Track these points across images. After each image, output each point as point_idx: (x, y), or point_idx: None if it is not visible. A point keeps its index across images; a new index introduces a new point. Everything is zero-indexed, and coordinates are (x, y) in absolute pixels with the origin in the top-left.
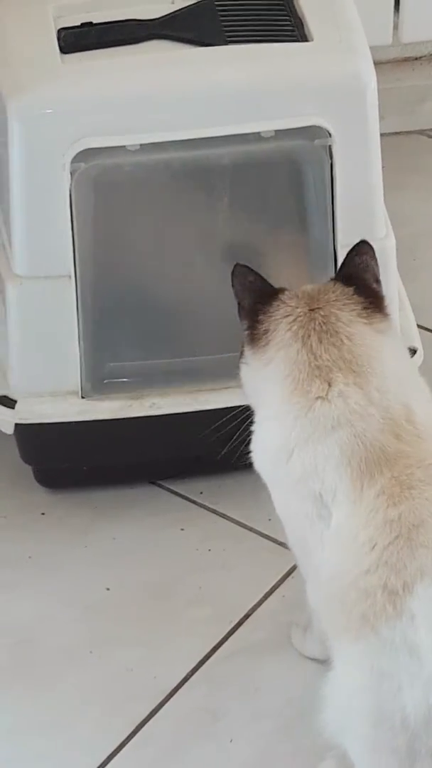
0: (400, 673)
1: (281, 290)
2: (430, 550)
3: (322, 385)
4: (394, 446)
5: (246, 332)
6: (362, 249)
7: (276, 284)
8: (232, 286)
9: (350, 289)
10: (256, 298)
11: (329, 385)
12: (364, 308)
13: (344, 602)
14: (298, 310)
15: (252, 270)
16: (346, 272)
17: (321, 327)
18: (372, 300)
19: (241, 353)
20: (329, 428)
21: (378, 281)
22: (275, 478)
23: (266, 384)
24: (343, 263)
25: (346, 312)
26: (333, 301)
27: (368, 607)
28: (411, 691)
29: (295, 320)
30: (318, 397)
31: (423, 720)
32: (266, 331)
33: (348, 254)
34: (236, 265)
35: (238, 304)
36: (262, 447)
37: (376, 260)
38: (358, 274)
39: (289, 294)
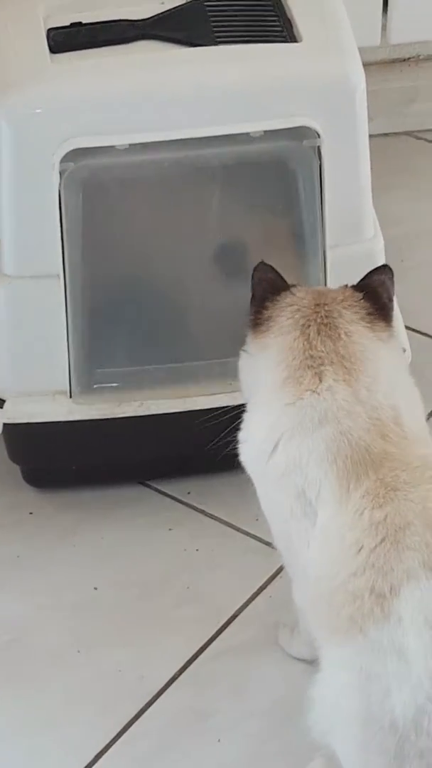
0: (388, 676)
1: (294, 285)
2: (417, 552)
3: (313, 378)
4: (380, 447)
5: (250, 318)
6: (383, 270)
7: None
8: (252, 278)
9: (359, 294)
10: (268, 288)
11: (320, 379)
12: (369, 314)
13: (332, 604)
14: (304, 301)
15: (274, 269)
16: (361, 283)
17: (322, 320)
18: (378, 309)
19: (250, 321)
20: (316, 422)
21: (390, 299)
22: (260, 470)
23: (260, 371)
24: (363, 277)
25: (349, 311)
26: (340, 300)
27: (356, 609)
28: (399, 693)
29: (298, 310)
30: (308, 390)
31: (412, 722)
32: (269, 318)
33: (368, 272)
34: (260, 263)
35: (252, 295)
36: (250, 437)
37: (393, 283)
38: (372, 287)
39: (299, 288)
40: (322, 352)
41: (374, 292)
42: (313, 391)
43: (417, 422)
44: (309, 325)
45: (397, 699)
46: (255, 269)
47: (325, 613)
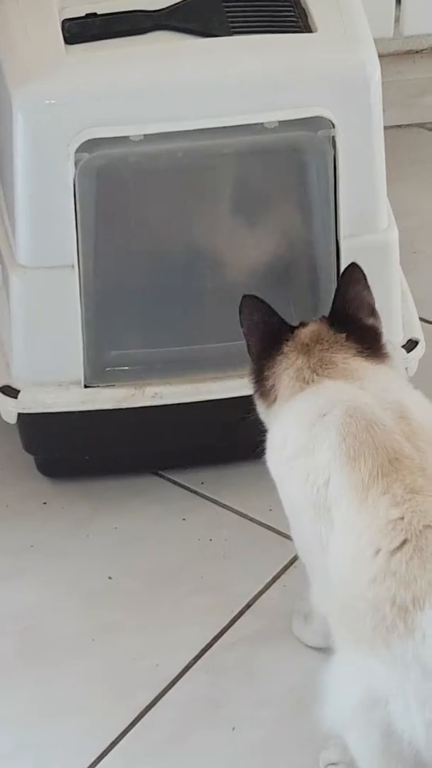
0: (411, 693)
1: (285, 337)
2: None
3: (319, 379)
4: (393, 445)
5: (254, 386)
6: (354, 276)
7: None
8: (240, 315)
9: (342, 336)
10: (262, 348)
11: (327, 378)
12: (361, 350)
13: (354, 612)
14: (298, 362)
15: (259, 303)
16: (342, 310)
17: (316, 364)
18: (369, 341)
19: (254, 389)
20: (322, 406)
21: (374, 312)
22: (281, 472)
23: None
24: (336, 293)
25: (341, 353)
26: (328, 348)
27: (379, 620)
28: (422, 712)
29: (296, 372)
30: (315, 382)
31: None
32: (273, 387)
33: (340, 283)
34: (244, 297)
35: (246, 341)
36: (270, 443)
37: (368, 286)
38: (353, 314)
39: (290, 344)
40: (325, 373)
41: (357, 323)
42: (319, 385)
43: (427, 421)
44: (305, 375)
45: (419, 718)
46: (241, 305)
47: (348, 621)
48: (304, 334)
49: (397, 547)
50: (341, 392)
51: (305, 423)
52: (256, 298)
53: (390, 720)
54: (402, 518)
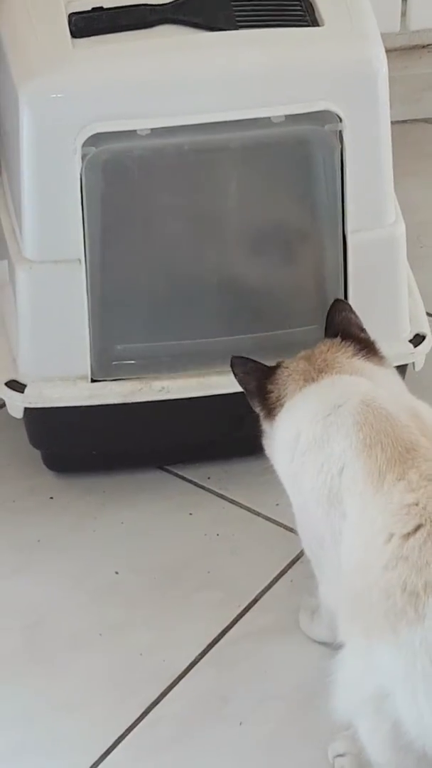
0: (419, 680)
1: (280, 363)
2: None
3: (330, 374)
4: (409, 436)
5: (260, 411)
6: (339, 307)
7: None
8: (235, 376)
9: (337, 339)
10: (261, 376)
11: (339, 373)
12: (359, 350)
13: (367, 601)
14: (300, 366)
15: (248, 359)
16: (333, 332)
17: (320, 366)
18: (365, 347)
19: (261, 412)
20: (337, 397)
21: (363, 330)
22: (293, 469)
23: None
24: (326, 325)
25: (340, 354)
26: (326, 351)
27: (389, 607)
28: (429, 700)
29: (300, 375)
30: (325, 377)
31: None
32: (278, 397)
33: (328, 316)
34: (233, 358)
35: (245, 389)
36: (282, 442)
37: (355, 314)
38: (344, 330)
39: (288, 363)
40: (334, 369)
41: (350, 335)
42: (332, 378)
43: None
44: (311, 374)
45: (427, 706)
46: (232, 365)
47: (358, 611)
48: (303, 353)
49: (410, 532)
50: (355, 384)
51: (320, 414)
52: (245, 357)
53: (398, 709)
54: (417, 503)
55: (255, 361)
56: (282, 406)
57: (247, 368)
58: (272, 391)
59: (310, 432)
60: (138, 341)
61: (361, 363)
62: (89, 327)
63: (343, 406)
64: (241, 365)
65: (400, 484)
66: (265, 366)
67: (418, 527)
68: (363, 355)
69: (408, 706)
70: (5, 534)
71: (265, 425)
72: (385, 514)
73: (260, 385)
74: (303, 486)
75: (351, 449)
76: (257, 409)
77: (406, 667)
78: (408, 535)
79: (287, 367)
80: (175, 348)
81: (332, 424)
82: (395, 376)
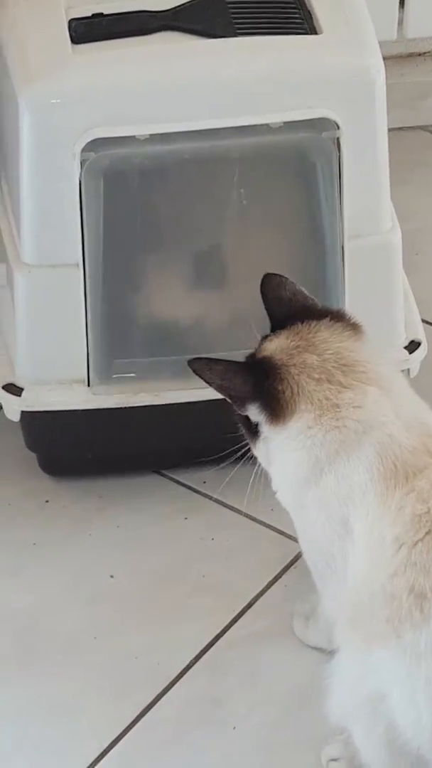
0: (419, 683)
1: (262, 359)
2: None
3: (353, 395)
4: (423, 458)
5: (265, 413)
6: (277, 281)
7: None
8: (207, 382)
9: (327, 320)
10: (254, 378)
11: (362, 393)
12: (353, 331)
13: (370, 609)
14: (309, 361)
15: (210, 359)
16: (289, 310)
17: (339, 365)
18: (344, 319)
19: (250, 433)
20: (361, 432)
21: (310, 296)
22: (299, 502)
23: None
24: (270, 304)
25: (345, 341)
26: (328, 338)
27: (393, 611)
28: (430, 700)
29: (313, 370)
30: (352, 406)
31: None
32: (292, 395)
33: (268, 294)
34: (191, 362)
35: (228, 395)
36: (285, 477)
37: (295, 283)
38: (304, 306)
39: (279, 357)
40: (355, 381)
41: (309, 309)
42: (357, 407)
43: None
44: (333, 375)
45: (427, 709)
46: (198, 372)
47: (361, 619)
48: (279, 345)
49: (420, 538)
50: (379, 406)
51: (346, 444)
52: (203, 358)
53: (395, 711)
54: (428, 512)
55: (221, 361)
56: (297, 406)
57: (218, 371)
58: (283, 391)
59: (334, 471)
60: (137, 355)
61: (372, 355)
62: (88, 337)
63: (368, 434)
64: (208, 370)
65: (411, 496)
66: (241, 365)
67: (427, 533)
68: (356, 335)
69: (406, 707)
70: (0, 537)
71: (268, 430)
72: (397, 527)
73: (260, 387)
74: (316, 511)
75: (371, 482)
76: (254, 414)
77: (409, 669)
78: (417, 542)
79: (287, 364)
80: (175, 362)
81: (356, 458)
82: (390, 366)
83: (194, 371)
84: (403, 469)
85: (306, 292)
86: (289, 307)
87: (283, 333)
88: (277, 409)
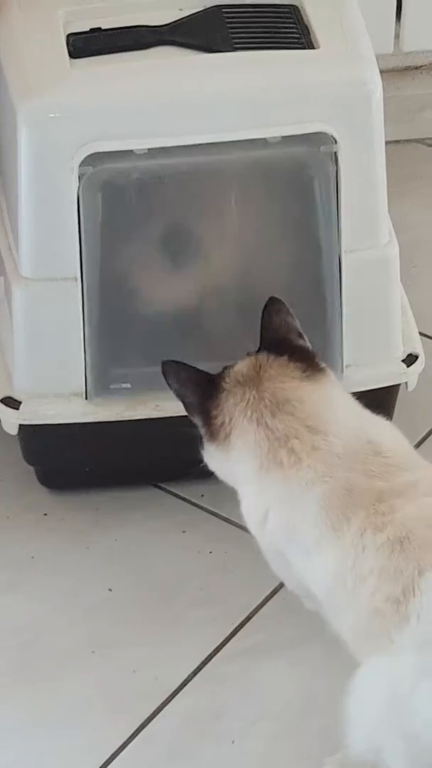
0: (414, 672)
1: (219, 377)
2: (423, 549)
3: (289, 455)
4: (367, 485)
5: (203, 430)
6: (275, 307)
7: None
8: (168, 384)
9: (284, 359)
10: (201, 392)
11: (295, 454)
12: (303, 371)
13: (365, 629)
14: (247, 395)
15: (181, 363)
16: (271, 339)
17: (271, 403)
18: (306, 360)
19: (200, 441)
20: (303, 487)
21: (301, 335)
22: (260, 538)
23: (235, 468)
24: (262, 327)
25: (288, 381)
26: (275, 376)
27: (381, 622)
28: (427, 682)
29: (247, 405)
30: (292, 467)
31: None
32: (222, 424)
33: (264, 316)
34: (164, 364)
35: (182, 401)
36: (245, 509)
37: (291, 314)
38: (283, 338)
39: (230, 380)
40: (285, 430)
41: (291, 345)
42: (296, 467)
43: (397, 440)
44: (262, 415)
45: (426, 689)
46: (164, 373)
47: (362, 639)
48: (240, 368)
49: (386, 560)
50: (316, 469)
51: (286, 499)
52: (176, 362)
53: (402, 705)
54: (387, 539)
55: (189, 368)
56: (228, 437)
57: (181, 378)
58: (216, 417)
59: (277, 519)
60: (134, 366)
61: (310, 395)
62: (85, 350)
63: (307, 492)
64: (173, 374)
65: (368, 533)
66: (203, 375)
67: (390, 553)
68: (308, 376)
69: (408, 698)
70: None
71: (210, 446)
72: (365, 563)
73: (201, 403)
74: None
75: (322, 536)
76: (198, 426)
77: (402, 667)
78: (386, 562)
79: (230, 391)
80: None
81: (300, 515)
82: (341, 392)
83: (162, 372)
84: (346, 514)
85: (296, 324)
86: (272, 335)
87: (251, 358)
88: (211, 432)
